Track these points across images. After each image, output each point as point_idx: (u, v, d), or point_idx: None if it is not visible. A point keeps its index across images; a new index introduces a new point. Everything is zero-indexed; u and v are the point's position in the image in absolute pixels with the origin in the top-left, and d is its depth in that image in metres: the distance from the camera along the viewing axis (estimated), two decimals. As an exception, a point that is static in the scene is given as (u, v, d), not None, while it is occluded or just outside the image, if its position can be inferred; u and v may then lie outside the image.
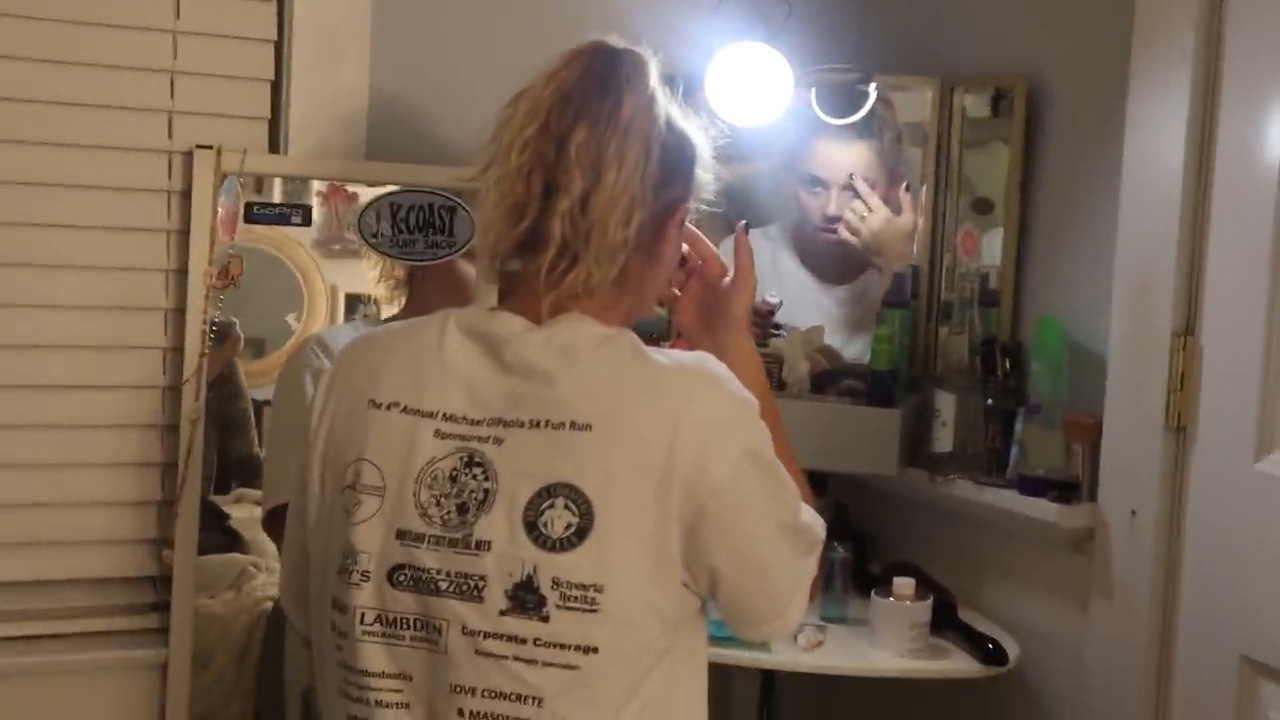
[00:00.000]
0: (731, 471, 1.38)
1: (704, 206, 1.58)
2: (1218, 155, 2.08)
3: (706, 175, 1.54)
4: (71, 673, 2.30)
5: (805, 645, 2.24)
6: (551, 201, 1.41)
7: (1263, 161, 2.01)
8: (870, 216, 2.62)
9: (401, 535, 1.40)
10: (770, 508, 1.43)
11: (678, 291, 1.68)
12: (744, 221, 1.75)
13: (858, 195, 2.62)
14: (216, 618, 2.42)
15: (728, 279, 1.66)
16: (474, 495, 1.38)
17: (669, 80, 1.51)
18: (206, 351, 2.30)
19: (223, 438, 2.47)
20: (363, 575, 1.41)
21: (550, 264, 1.41)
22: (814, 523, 1.50)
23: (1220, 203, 2.08)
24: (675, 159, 1.48)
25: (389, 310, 2.53)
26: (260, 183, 2.44)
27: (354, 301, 2.52)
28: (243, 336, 2.45)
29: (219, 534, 2.47)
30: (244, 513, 2.50)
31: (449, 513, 1.39)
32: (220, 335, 2.39)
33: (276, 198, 2.45)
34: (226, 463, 2.52)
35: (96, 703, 2.32)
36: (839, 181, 2.63)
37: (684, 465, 1.36)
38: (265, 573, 2.51)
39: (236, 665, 2.45)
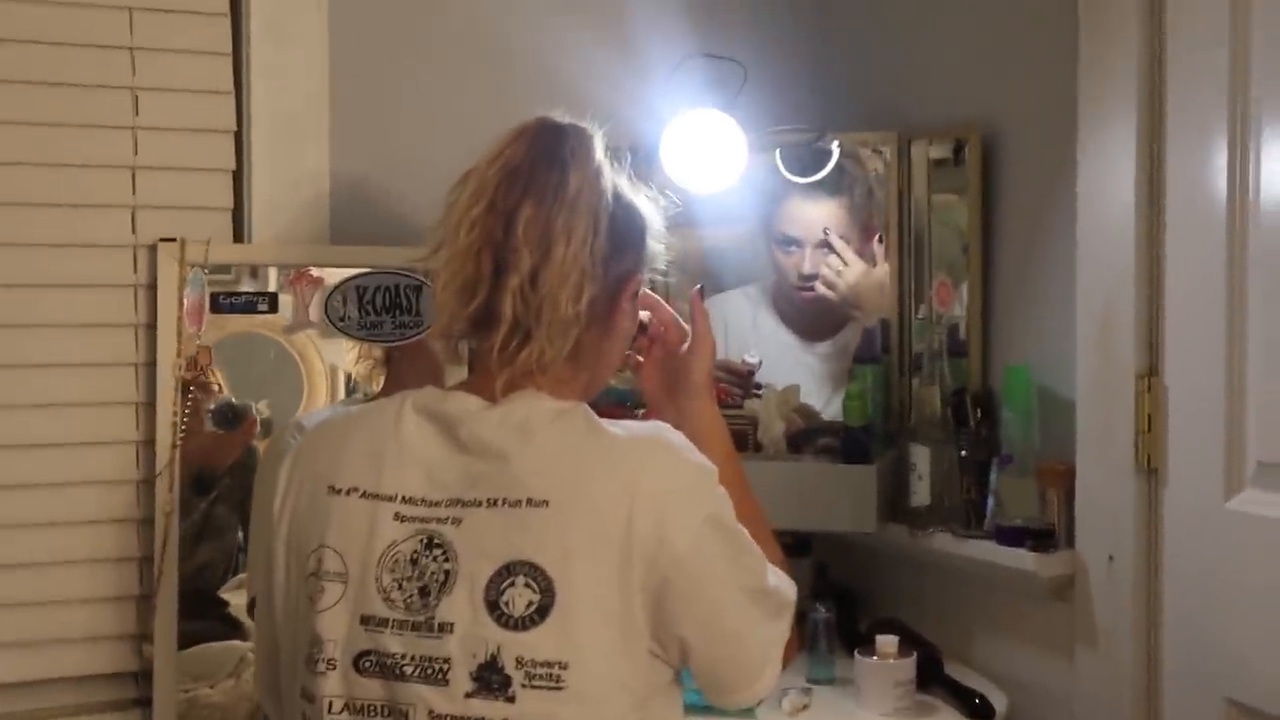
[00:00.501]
0: (692, 540, 1.38)
1: (658, 277, 1.59)
2: (1167, 194, 2.08)
3: (658, 245, 1.56)
4: (57, 773, 2.29)
5: (789, 710, 2.22)
6: (502, 279, 1.42)
7: (1210, 197, 2.01)
8: (846, 270, 2.63)
9: (365, 621, 1.40)
10: (734, 573, 1.43)
11: (640, 359, 1.69)
12: (699, 286, 1.76)
13: (833, 250, 2.63)
14: (217, 706, 2.39)
15: (687, 344, 1.67)
16: (435, 577, 1.38)
17: (621, 151, 1.52)
18: (206, 431, 2.33)
19: (243, 524, 2.45)
20: (329, 663, 1.41)
21: (502, 342, 1.42)
22: (782, 585, 1.50)
23: (1173, 241, 2.08)
24: (625, 231, 1.50)
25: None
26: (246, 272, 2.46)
27: (354, 381, 2.52)
28: (259, 419, 2.44)
29: (218, 622, 2.45)
30: (243, 599, 2.48)
31: (411, 596, 1.39)
32: (236, 418, 2.39)
33: (246, 285, 2.46)
34: (244, 549, 2.50)
35: (83, 804, 2.31)
36: (812, 240, 2.64)
37: (643, 537, 1.36)
38: (253, 669, 2.49)
39: (238, 754, 2.42)
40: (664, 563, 1.36)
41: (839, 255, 2.62)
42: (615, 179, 1.50)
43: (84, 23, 2.29)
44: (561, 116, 1.50)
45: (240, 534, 2.47)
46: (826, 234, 2.62)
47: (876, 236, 2.62)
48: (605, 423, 1.44)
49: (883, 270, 2.61)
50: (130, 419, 2.33)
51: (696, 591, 1.39)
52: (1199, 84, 2.04)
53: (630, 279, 1.52)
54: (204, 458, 2.37)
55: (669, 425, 1.48)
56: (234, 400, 2.39)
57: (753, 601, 1.45)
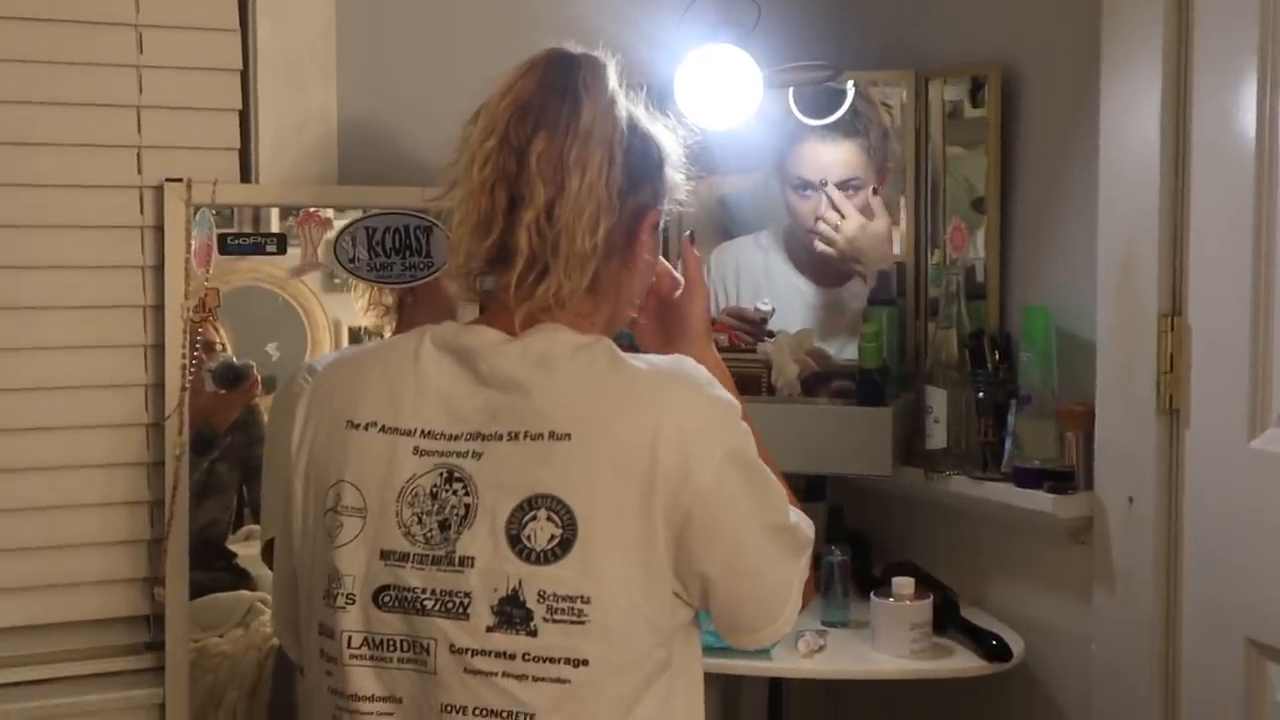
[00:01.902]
0: (714, 476, 1.36)
1: (677, 207, 1.56)
2: (1193, 133, 2.06)
3: (678, 176, 1.53)
4: (71, 716, 2.27)
5: (805, 651, 2.22)
6: (516, 214, 1.40)
7: (1238, 136, 1.99)
8: (844, 224, 2.60)
9: (385, 555, 1.38)
10: (757, 510, 1.42)
11: (635, 315, 1.66)
12: (689, 232, 1.74)
13: (832, 205, 2.60)
14: (226, 656, 2.40)
15: (679, 292, 1.65)
16: (455, 511, 1.37)
17: (636, 84, 1.49)
18: (207, 390, 2.32)
19: (245, 480, 2.46)
20: (348, 598, 1.39)
21: (519, 277, 1.40)
22: (802, 523, 1.49)
23: (1199, 180, 2.06)
24: (641, 162, 1.47)
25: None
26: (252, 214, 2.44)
27: (357, 335, 2.50)
28: (260, 378, 2.42)
29: (226, 573, 2.45)
30: (252, 550, 2.47)
31: (431, 530, 1.37)
32: (237, 378, 2.38)
33: (252, 227, 2.44)
34: (249, 503, 2.50)
35: (98, 746, 2.30)
36: (829, 183, 2.61)
37: (666, 472, 1.34)
38: (271, 607, 2.49)
39: (248, 702, 2.42)
40: (687, 499, 1.35)
41: (836, 209, 2.59)
42: (631, 109, 1.46)
43: (87, -41, 2.26)
44: (574, 47, 1.47)
45: (244, 490, 2.46)
46: (823, 185, 2.59)
47: (872, 189, 2.59)
48: (628, 356, 1.42)
49: (881, 223, 2.58)
50: (139, 362, 2.31)
51: (719, 528, 1.38)
52: (1228, 18, 2.00)
53: (649, 211, 1.49)
54: (205, 417, 2.36)
55: (691, 360, 1.45)
56: (235, 360, 2.38)
57: (774, 538, 1.44)
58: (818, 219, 2.61)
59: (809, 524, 1.50)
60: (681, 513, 1.35)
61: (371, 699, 1.38)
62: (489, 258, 1.43)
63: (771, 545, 1.43)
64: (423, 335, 1.46)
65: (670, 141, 1.51)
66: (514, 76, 1.43)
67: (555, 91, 1.41)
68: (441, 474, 1.38)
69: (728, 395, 1.43)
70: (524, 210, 1.39)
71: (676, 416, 1.36)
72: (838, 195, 2.59)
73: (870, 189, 2.60)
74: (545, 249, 1.39)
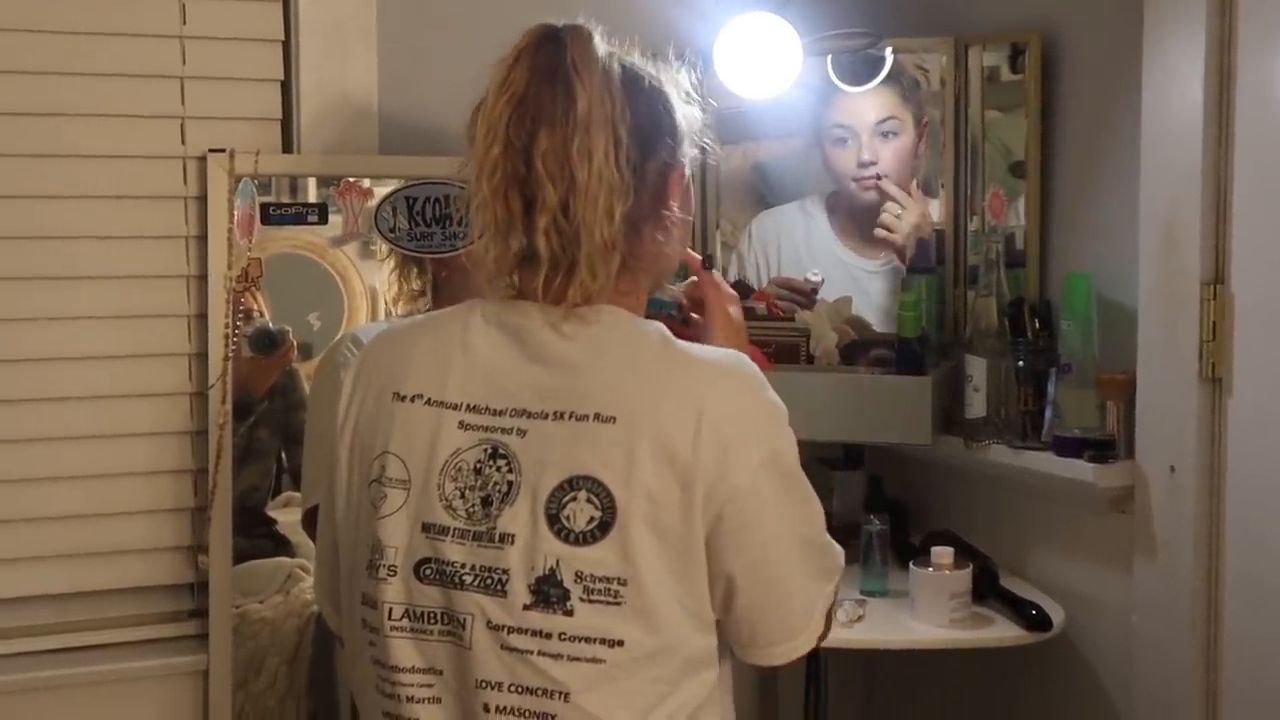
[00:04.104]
0: (751, 479, 1.35)
1: (704, 150, 1.51)
2: (1237, 98, 2.03)
3: (693, 113, 1.48)
4: (115, 682, 2.31)
5: (845, 620, 2.21)
6: (533, 217, 1.37)
7: (1284, 100, 1.97)
8: (905, 214, 2.58)
9: (427, 528, 1.39)
10: (790, 521, 1.40)
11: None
12: (704, 256, 1.69)
13: (890, 196, 2.58)
14: (266, 622, 2.42)
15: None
16: (498, 488, 1.37)
17: (623, 38, 1.44)
18: (243, 356, 2.33)
19: (284, 446, 2.47)
20: (390, 570, 1.40)
21: (545, 280, 1.38)
22: (837, 547, 1.47)
23: (1243, 146, 2.03)
24: (651, 123, 1.42)
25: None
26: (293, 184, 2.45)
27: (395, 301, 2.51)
28: (295, 343, 2.44)
29: (267, 540, 2.47)
30: (292, 517, 2.49)
31: (473, 505, 1.37)
32: (275, 343, 2.39)
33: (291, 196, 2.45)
34: (288, 469, 2.52)
35: (141, 712, 2.33)
36: (866, 128, 2.58)
37: (705, 466, 1.33)
38: (313, 575, 2.51)
39: (288, 668, 2.44)
40: (721, 496, 1.33)
41: (895, 200, 2.57)
42: (623, 71, 1.40)
43: (129, -69, 2.26)
44: (557, 20, 1.41)
45: (284, 456, 2.48)
46: (880, 180, 2.56)
47: (914, 182, 2.57)
48: (683, 344, 1.40)
49: (932, 208, 2.57)
50: (182, 331, 2.33)
51: (749, 531, 1.36)
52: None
53: (672, 168, 1.45)
54: (242, 382, 2.37)
55: (748, 358, 1.43)
56: (271, 325, 2.39)
57: (803, 553, 1.42)
58: (881, 210, 2.59)
59: (840, 551, 1.48)
60: (715, 510, 1.34)
61: (413, 670, 1.39)
62: (519, 261, 1.41)
63: (800, 559, 1.41)
64: (473, 309, 1.45)
65: (672, 83, 1.46)
66: (507, 68, 1.39)
67: (548, 81, 1.37)
68: (486, 449, 1.37)
69: (777, 399, 1.40)
70: (539, 214, 1.36)
71: (720, 410, 1.34)
72: (893, 188, 2.57)
73: (914, 183, 2.57)
74: (565, 248, 1.37)
